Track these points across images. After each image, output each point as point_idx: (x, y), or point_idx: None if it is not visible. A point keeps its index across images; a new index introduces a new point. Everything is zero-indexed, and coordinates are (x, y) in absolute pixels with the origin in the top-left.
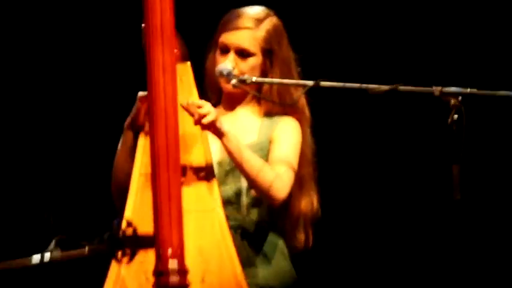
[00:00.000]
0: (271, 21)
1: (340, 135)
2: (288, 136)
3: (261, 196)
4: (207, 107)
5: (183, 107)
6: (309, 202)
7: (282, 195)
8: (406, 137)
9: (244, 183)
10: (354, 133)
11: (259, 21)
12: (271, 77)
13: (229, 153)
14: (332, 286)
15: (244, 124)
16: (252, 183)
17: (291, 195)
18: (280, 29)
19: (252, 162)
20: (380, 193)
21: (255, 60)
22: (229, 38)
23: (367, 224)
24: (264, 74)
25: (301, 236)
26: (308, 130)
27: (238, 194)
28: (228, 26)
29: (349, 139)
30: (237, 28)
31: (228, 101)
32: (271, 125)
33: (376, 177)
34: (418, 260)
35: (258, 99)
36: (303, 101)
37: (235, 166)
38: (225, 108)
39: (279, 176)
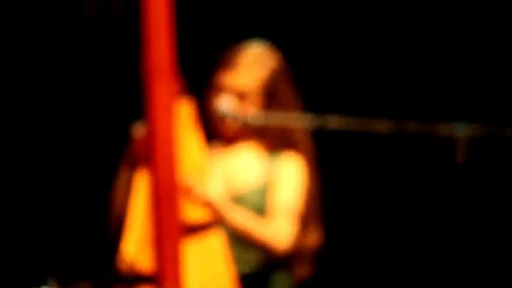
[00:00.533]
0: (271, 59)
1: (344, 171)
2: (290, 180)
3: (261, 250)
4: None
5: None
6: (314, 238)
7: (283, 247)
8: (412, 174)
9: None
10: (360, 171)
11: (258, 60)
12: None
13: (220, 218)
14: None
15: (245, 162)
16: (249, 241)
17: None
18: (281, 66)
19: (245, 224)
20: (384, 230)
21: (255, 99)
22: (228, 77)
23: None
24: (264, 108)
25: (305, 269)
26: (312, 165)
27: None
28: (227, 65)
29: (354, 177)
30: (236, 67)
31: (228, 137)
32: (273, 166)
33: (382, 213)
34: None
35: (259, 134)
36: (301, 135)
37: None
38: (224, 144)
39: (280, 229)
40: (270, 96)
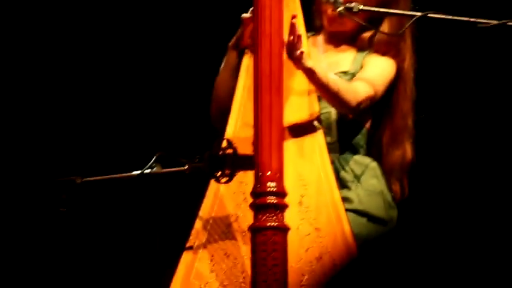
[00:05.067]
0: None
1: (446, 73)
2: (378, 63)
3: (337, 109)
4: (300, 41)
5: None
6: (401, 154)
7: (355, 101)
8: None
9: (333, 109)
10: (461, 70)
11: None
12: (382, 25)
13: (312, 83)
14: None
15: (339, 56)
16: (331, 103)
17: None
18: None
19: (332, 85)
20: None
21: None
22: None
23: None
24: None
25: (396, 187)
26: (411, 83)
27: (328, 118)
28: None
29: (455, 78)
30: None
31: (329, 37)
32: (365, 56)
33: (478, 118)
34: None
35: (355, 41)
36: (408, 43)
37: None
38: (324, 40)
39: (354, 89)
40: (386, 4)
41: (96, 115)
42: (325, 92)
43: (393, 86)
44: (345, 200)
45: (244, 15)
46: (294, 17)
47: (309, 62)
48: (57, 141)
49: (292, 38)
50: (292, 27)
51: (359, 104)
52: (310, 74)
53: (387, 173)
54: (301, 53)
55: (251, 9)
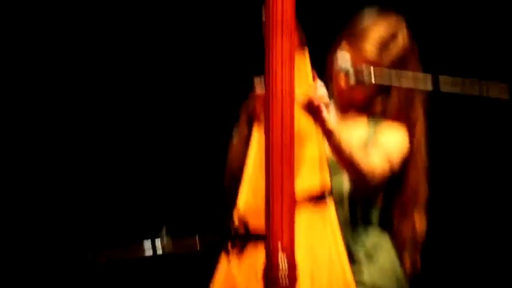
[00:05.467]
0: (398, 43)
1: (458, 145)
2: (393, 135)
3: (351, 179)
4: (322, 89)
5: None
6: (411, 227)
7: (373, 176)
8: None
9: (346, 180)
10: (472, 142)
11: (384, 47)
12: (393, 92)
13: (329, 143)
14: None
15: (351, 124)
16: (347, 170)
17: (394, 216)
18: (407, 50)
19: (348, 147)
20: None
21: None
22: (351, 52)
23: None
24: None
25: (407, 263)
26: (422, 154)
27: (341, 190)
28: (351, 39)
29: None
30: (360, 50)
31: (340, 107)
32: (377, 123)
33: (493, 190)
34: None
35: (367, 108)
36: (419, 112)
37: (333, 155)
38: (337, 105)
39: (373, 160)
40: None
41: (107, 181)
42: (341, 158)
43: (406, 157)
44: (356, 275)
45: (256, 86)
46: (314, 78)
47: (330, 124)
48: (64, 208)
49: (316, 99)
50: (315, 88)
51: (373, 178)
52: (331, 135)
53: (399, 248)
54: (324, 112)
55: (262, 80)
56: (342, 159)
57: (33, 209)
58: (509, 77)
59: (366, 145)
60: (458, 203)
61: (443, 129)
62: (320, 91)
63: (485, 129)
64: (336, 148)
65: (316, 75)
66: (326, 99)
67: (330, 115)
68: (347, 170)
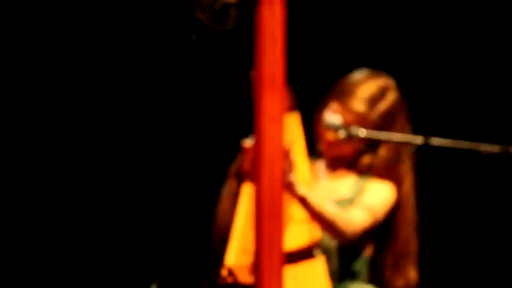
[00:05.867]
0: (387, 101)
1: (449, 199)
2: (378, 189)
3: (333, 236)
4: (292, 169)
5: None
6: (404, 281)
7: (351, 232)
8: None
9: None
10: (464, 197)
11: (373, 103)
12: (381, 149)
13: (306, 210)
14: None
15: (339, 182)
16: (325, 230)
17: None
18: (396, 108)
19: (326, 213)
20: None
21: (367, 127)
22: (339, 112)
23: None
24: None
25: None
26: (411, 208)
27: (329, 243)
28: (339, 99)
29: (459, 203)
30: (348, 109)
31: (329, 162)
32: (365, 181)
33: (481, 246)
34: None
35: (355, 165)
36: (407, 167)
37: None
38: (327, 164)
39: (354, 216)
40: (383, 128)
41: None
42: (319, 220)
43: (394, 211)
44: None
45: (245, 143)
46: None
47: (301, 190)
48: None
49: (286, 164)
50: (286, 153)
51: (355, 234)
52: (303, 201)
53: None
54: (293, 180)
55: (251, 137)
56: (320, 221)
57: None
58: (501, 138)
59: (352, 201)
60: (450, 256)
61: (432, 182)
62: (289, 157)
63: (477, 182)
64: (312, 212)
65: None
66: (294, 165)
67: (298, 181)
68: (326, 230)
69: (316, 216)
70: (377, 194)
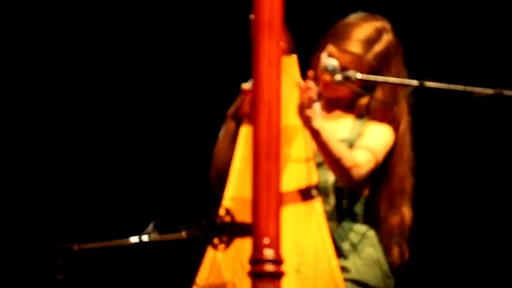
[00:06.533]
0: (383, 42)
1: (443, 140)
2: (377, 131)
3: (336, 176)
4: (311, 102)
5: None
6: (399, 219)
7: (357, 174)
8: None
9: (332, 174)
10: (457, 138)
11: (369, 44)
12: (377, 91)
13: (315, 141)
14: None
15: (337, 123)
16: (332, 168)
17: (380, 209)
18: (391, 50)
19: (335, 149)
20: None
21: (363, 69)
22: (335, 55)
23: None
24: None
25: (395, 252)
26: (407, 147)
27: (326, 183)
28: (336, 42)
29: (452, 145)
30: (344, 50)
31: (326, 103)
32: (363, 124)
33: (477, 185)
34: None
35: (353, 107)
36: (403, 108)
37: (320, 153)
38: (322, 107)
39: (357, 163)
40: (379, 69)
41: (93, 179)
42: (327, 156)
43: (390, 151)
44: (342, 269)
45: (244, 85)
46: (308, 77)
47: (317, 123)
48: (53, 206)
49: (304, 97)
50: (306, 88)
51: (359, 175)
52: (316, 134)
53: (386, 238)
54: (310, 114)
55: (250, 79)
56: (328, 158)
57: (20, 205)
58: (495, 82)
59: (351, 144)
60: (444, 195)
61: (427, 123)
62: (309, 92)
63: (471, 123)
64: (323, 147)
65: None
66: (315, 98)
67: (316, 115)
68: (333, 168)
69: (326, 152)
70: (377, 136)
